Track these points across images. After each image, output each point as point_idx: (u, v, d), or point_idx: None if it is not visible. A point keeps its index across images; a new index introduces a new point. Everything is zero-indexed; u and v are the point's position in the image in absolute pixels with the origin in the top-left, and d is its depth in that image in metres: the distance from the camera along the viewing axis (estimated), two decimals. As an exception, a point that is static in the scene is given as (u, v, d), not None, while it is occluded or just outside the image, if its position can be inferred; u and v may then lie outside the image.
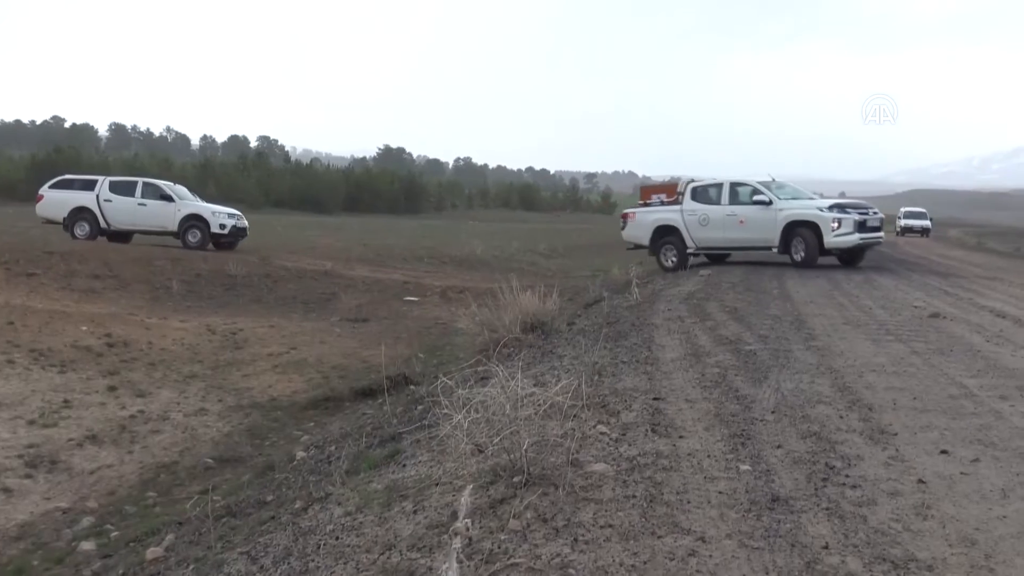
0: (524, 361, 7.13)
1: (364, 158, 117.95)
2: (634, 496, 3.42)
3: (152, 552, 4.88)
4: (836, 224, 14.83)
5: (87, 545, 5.66)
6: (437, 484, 3.94)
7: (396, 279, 19.83)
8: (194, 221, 21.23)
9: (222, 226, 21.49)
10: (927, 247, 28.42)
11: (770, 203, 15.42)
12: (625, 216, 18.20)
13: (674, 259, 16.69)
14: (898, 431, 4.36)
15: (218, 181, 65.03)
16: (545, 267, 26.96)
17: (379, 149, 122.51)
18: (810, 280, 12.68)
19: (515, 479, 3.59)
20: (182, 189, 22.91)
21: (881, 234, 16.14)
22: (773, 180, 16.48)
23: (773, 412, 4.72)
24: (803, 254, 15.06)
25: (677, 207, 16.68)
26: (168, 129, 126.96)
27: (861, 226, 15.05)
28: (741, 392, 5.20)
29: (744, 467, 3.76)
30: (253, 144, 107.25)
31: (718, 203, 16.11)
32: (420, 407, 6.52)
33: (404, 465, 4.61)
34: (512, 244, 32.34)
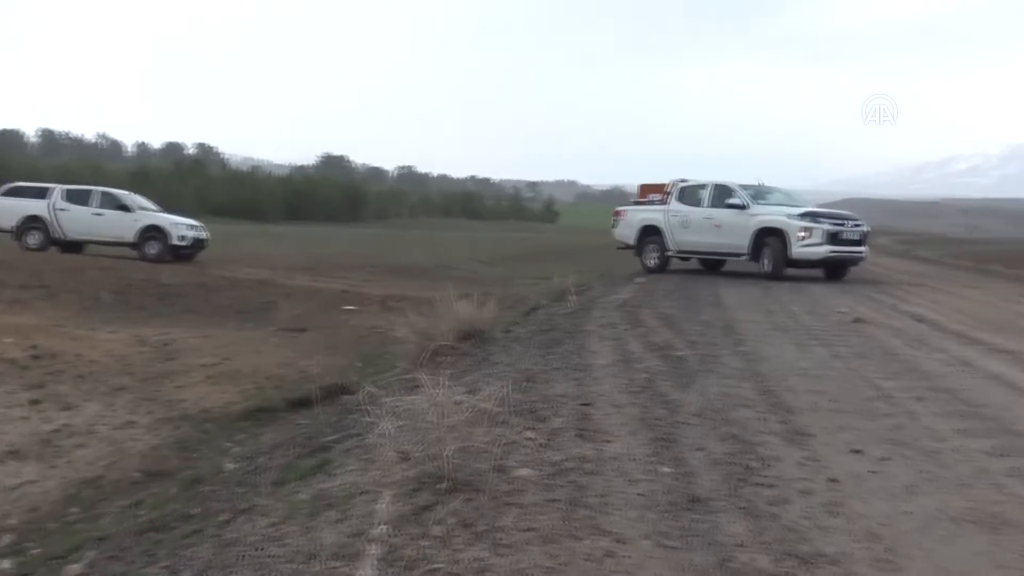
0: (459, 369, 7.15)
1: (305, 166, 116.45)
2: (557, 500, 3.47)
3: (72, 569, 4.76)
4: (804, 233, 13.98)
5: (5, 564, 5.49)
6: (364, 493, 3.93)
7: (335, 288, 19.63)
8: (153, 232, 20.65)
9: (182, 237, 20.96)
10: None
11: (744, 207, 14.72)
12: (617, 214, 17.66)
13: (655, 260, 16.28)
14: (815, 432, 4.51)
15: (154, 188, 63.46)
16: (486, 275, 26.99)
17: (320, 157, 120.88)
18: (743, 287, 12.98)
19: (440, 486, 3.61)
20: (140, 199, 22.34)
21: (862, 248, 15.00)
22: (760, 183, 15.88)
23: (697, 416, 4.83)
24: (770, 264, 14.37)
25: (663, 207, 16.18)
26: (101, 135, 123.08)
27: (833, 238, 14.18)
28: (668, 397, 5.31)
29: (666, 469, 3.85)
30: (190, 151, 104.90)
31: (699, 205, 15.51)
32: (353, 416, 6.49)
33: (333, 475, 4.59)
34: (454, 252, 32.33)
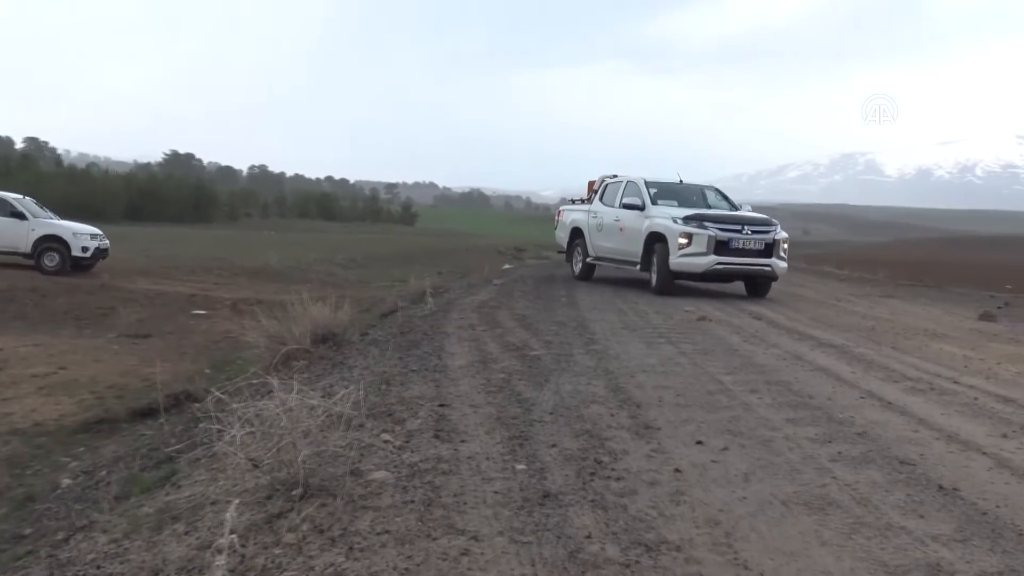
0: (313, 373, 7.02)
1: (149, 163, 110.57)
2: (413, 501, 3.48)
3: None
4: (685, 240, 11.78)
5: None
6: (213, 503, 3.81)
7: (182, 292, 18.79)
8: (52, 243, 19.00)
9: (84, 249, 19.35)
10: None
11: (642, 208, 12.72)
12: (557, 215, 16.02)
13: (578, 267, 14.77)
14: (661, 426, 4.72)
15: (-25, 186, 58.54)
16: (343, 278, 26.54)
17: (165, 154, 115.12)
18: (596, 288, 13.36)
19: (293, 492, 3.54)
20: (33, 203, 20.38)
21: (767, 261, 12.20)
22: (680, 181, 13.85)
23: (551, 413, 4.95)
24: (654, 276, 12.35)
25: (587, 207, 14.68)
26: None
27: (721, 247, 11.84)
28: (523, 396, 5.41)
29: (520, 466, 3.93)
30: (19, 146, 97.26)
31: (613, 205, 13.67)
32: (202, 425, 6.24)
33: (179, 486, 4.42)
34: (310, 255, 31.54)
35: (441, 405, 5.15)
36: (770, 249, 12.18)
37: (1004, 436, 4.77)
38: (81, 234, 19.84)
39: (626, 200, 13.06)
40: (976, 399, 5.75)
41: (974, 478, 3.97)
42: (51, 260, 19.02)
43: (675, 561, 2.93)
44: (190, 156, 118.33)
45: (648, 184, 13.24)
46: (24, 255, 19.09)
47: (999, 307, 12.59)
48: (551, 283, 14.38)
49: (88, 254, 19.62)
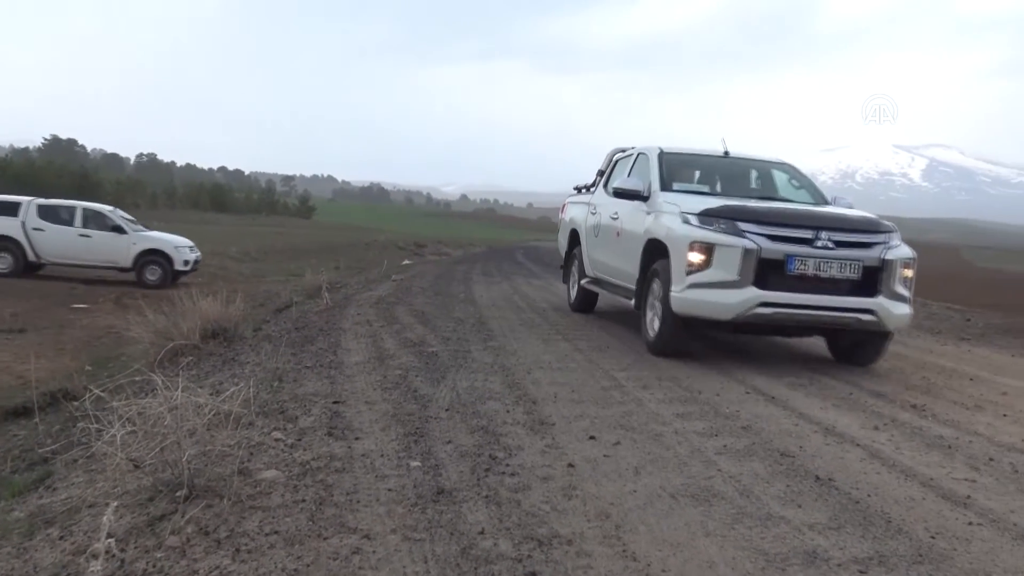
0: (202, 369, 6.82)
1: (27, 148, 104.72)
2: (304, 500, 3.41)
3: None
4: (700, 257, 6.49)
5: None
6: (91, 506, 3.64)
7: (62, 284, 17.88)
8: (153, 256, 18.63)
9: (186, 262, 19.09)
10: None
11: (646, 199, 7.69)
12: (562, 210, 11.12)
13: (574, 291, 10.10)
14: (556, 421, 4.78)
15: None
16: (236, 271, 25.82)
17: (45, 139, 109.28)
18: (494, 285, 13.43)
19: (177, 493, 3.42)
20: (122, 214, 19.78)
21: (873, 303, 6.49)
22: (725, 154, 8.46)
23: (448, 410, 4.95)
24: (655, 318, 7.11)
25: (588, 197, 9.87)
26: None
27: (773, 271, 6.41)
28: (420, 392, 5.39)
29: (415, 463, 3.91)
30: None
31: (613, 195, 8.52)
32: (80, 424, 5.95)
33: (54, 488, 4.20)
34: (201, 247, 30.49)
35: (335, 402, 5.07)
36: (873, 278, 6.59)
37: (876, 428, 5.04)
38: (182, 247, 19.63)
39: (621, 184, 8.07)
40: (851, 394, 6.06)
41: (848, 469, 4.18)
42: (153, 274, 18.78)
43: (566, 555, 2.97)
44: (72, 142, 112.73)
45: (666, 156, 8.17)
46: (122, 269, 18.85)
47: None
48: (451, 280, 14.36)
49: (189, 267, 19.47)
